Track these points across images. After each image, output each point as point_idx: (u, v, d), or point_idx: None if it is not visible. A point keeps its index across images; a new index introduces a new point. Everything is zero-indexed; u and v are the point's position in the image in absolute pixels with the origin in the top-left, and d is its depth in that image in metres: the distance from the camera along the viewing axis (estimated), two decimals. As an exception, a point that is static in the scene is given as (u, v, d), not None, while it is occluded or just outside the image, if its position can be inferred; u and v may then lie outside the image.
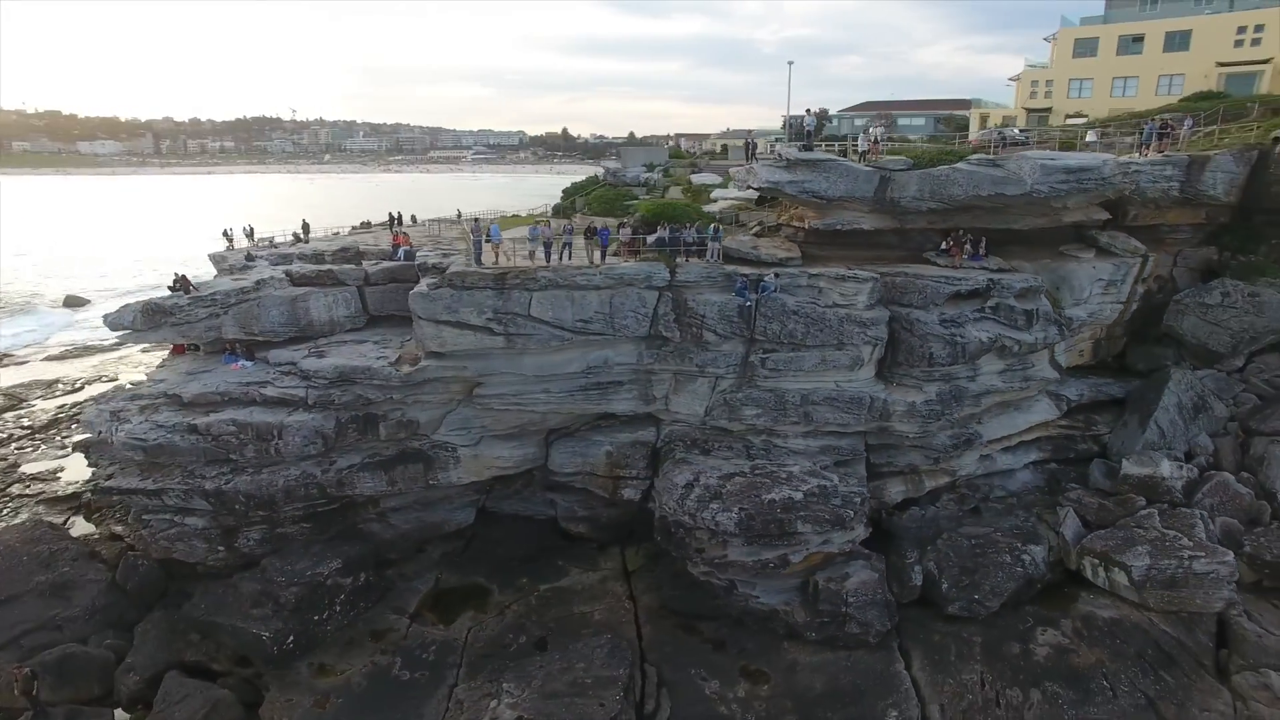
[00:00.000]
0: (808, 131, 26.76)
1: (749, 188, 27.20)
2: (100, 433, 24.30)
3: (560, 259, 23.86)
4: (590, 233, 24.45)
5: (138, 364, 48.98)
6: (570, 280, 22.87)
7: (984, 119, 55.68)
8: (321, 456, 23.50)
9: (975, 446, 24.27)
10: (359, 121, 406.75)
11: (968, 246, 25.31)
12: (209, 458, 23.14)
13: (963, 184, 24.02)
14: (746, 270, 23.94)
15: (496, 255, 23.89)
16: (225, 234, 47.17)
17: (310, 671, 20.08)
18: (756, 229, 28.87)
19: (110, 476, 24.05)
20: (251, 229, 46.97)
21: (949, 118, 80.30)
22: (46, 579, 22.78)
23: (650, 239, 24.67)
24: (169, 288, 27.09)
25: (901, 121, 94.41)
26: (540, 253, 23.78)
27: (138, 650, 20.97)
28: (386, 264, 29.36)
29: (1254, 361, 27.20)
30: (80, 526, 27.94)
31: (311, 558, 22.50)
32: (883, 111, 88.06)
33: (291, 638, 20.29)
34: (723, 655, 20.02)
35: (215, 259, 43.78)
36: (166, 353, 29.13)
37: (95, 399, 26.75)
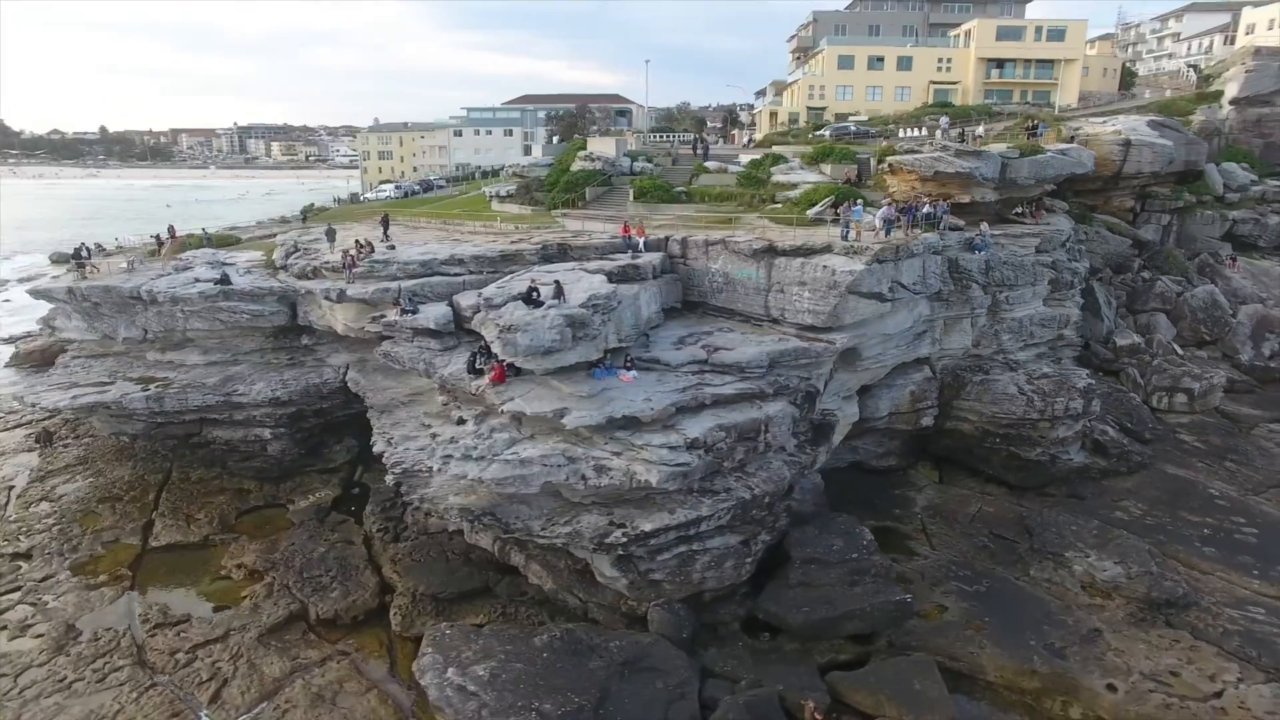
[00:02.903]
0: (945, 130, 35.02)
1: (937, 171, 33.96)
2: (570, 479, 20.19)
3: (887, 235, 27.99)
4: (905, 210, 29.01)
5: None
6: (909, 250, 27.51)
7: (773, 115, 69.31)
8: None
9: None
10: None
11: (1029, 211, 37.10)
12: (706, 471, 21.53)
13: (1056, 166, 35.53)
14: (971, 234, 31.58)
15: (859, 233, 26.87)
16: (77, 255, 35.64)
17: (922, 619, 22.04)
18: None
19: (621, 525, 20.14)
20: (89, 248, 36.96)
21: (667, 112, 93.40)
22: (608, 663, 18.80)
23: (920, 214, 30.22)
24: (526, 298, 22.30)
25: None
26: (882, 232, 27.59)
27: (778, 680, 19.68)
28: (652, 256, 28.16)
29: (1100, 272, 45.28)
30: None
31: (831, 535, 23.30)
32: (582, 105, 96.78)
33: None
34: (1089, 502, 28.26)
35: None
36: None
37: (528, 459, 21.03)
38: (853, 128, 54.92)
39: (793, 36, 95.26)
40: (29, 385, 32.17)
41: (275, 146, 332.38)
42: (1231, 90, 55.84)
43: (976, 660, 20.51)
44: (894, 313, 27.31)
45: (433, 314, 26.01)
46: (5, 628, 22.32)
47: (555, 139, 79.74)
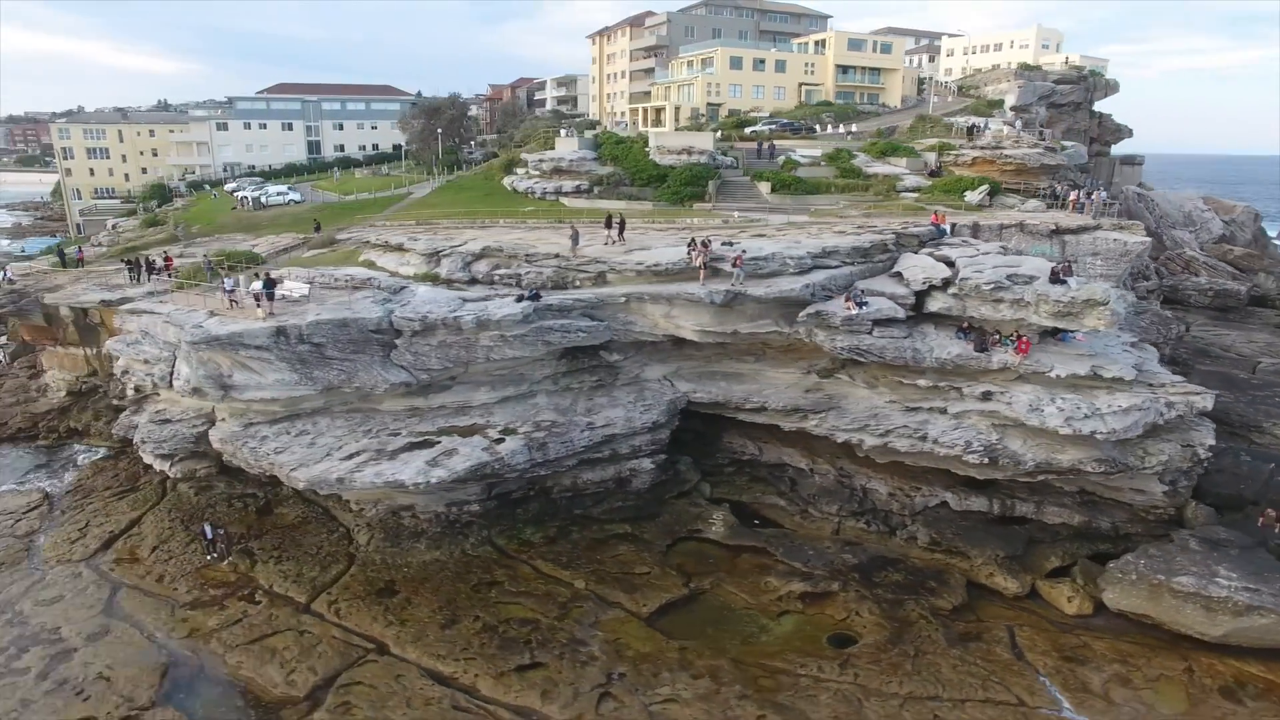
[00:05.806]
0: (1021, 129, 44.29)
1: (1043, 164, 42.52)
2: (1155, 418, 24.24)
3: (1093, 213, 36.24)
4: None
5: None
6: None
7: (677, 111, 73.02)
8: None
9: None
10: None
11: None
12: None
13: (1074, 157, 47.45)
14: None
15: (1090, 212, 34.50)
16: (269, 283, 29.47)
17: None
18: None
19: (1190, 445, 24.70)
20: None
21: (500, 105, 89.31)
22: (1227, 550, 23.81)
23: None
24: (1053, 278, 25.01)
25: (376, 106, 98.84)
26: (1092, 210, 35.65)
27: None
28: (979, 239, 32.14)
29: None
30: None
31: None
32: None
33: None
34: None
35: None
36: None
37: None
38: (794, 123, 62.74)
39: (596, 34, 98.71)
40: (321, 462, 23.11)
41: None
42: (1010, 99, 76.37)
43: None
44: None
45: (888, 305, 26.77)
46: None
47: (439, 132, 72.24)
